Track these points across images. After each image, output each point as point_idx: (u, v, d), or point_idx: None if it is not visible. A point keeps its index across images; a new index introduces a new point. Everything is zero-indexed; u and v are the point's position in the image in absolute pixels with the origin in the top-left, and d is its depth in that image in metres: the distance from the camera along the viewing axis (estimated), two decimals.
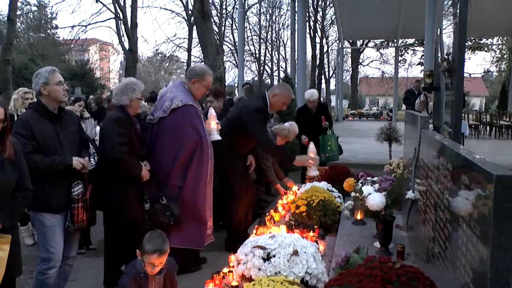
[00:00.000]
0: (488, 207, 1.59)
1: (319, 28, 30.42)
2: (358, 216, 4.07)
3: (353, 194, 3.79)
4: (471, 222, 1.80)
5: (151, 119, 3.80)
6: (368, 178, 3.79)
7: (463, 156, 2.03)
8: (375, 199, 3.38)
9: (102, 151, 3.48)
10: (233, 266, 3.03)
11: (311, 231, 3.72)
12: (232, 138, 4.21)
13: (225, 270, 3.09)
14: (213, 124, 3.83)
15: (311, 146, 4.07)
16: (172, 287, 2.81)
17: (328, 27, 31.71)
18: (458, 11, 3.94)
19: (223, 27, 29.42)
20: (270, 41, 33.12)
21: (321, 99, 30.64)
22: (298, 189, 4.94)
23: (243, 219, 4.45)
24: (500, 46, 29.55)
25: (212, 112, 3.86)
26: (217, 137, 3.84)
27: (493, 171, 1.57)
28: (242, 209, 4.42)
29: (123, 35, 20.76)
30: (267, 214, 4.43)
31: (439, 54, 4.68)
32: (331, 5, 25.10)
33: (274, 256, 2.78)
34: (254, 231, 3.84)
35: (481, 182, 1.69)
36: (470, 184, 1.85)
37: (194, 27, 17.89)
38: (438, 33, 5.11)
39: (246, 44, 28.09)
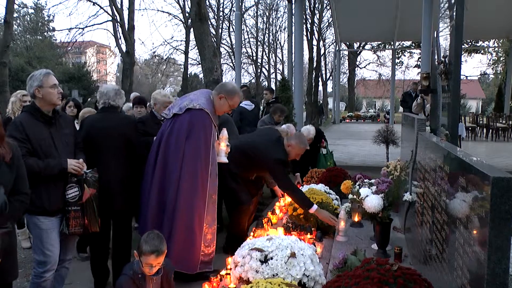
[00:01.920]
0: (485, 209, 1.59)
1: (316, 30, 30.45)
2: (356, 218, 4.08)
3: (350, 196, 3.80)
4: (468, 224, 1.81)
5: (166, 114, 3.78)
6: (365, 180, 3.80)
7: (460, 158, 2.04)
8: (372, 201, 3.38)
9: (137, 150, 3.63)
10: (230, 269, 3.03)
11: (309, 233, 3.72)
12: (242, 168, 4.24)
13: (223, 272, 3.08)
14: (222, 146, 3.72)
15: (342, 212, 4.05)
16: None
17: (325, 30, 31.81)
18: (454, 13, 3.96)
19: (220, 30, 29.44)
20: (267, 44, 33.12)
21: (319, 101, 30.84)
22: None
23: (246, 224, 4.46)
24: (496, 49, 29.68)
25: (224, 133, 3.76)
26: (224, 159, 3.73)
27: (489, 173, 1.58)
28: (247, 216, 4.46)
29: (120, 38, 20.75)
30: (265, 216, 4.43)
31: (436, 57, 4.69)
32: (328, 7, 25.10)
33: (271, 258, 2.78)
34: (252, 233, 3.83)
35: (478, 184, 1.70)
36: (467, 186, 1.86)
37: (191, 30, 17.87)
38: (435, 35, 5.12)
39: (243, 46, 28.06)
